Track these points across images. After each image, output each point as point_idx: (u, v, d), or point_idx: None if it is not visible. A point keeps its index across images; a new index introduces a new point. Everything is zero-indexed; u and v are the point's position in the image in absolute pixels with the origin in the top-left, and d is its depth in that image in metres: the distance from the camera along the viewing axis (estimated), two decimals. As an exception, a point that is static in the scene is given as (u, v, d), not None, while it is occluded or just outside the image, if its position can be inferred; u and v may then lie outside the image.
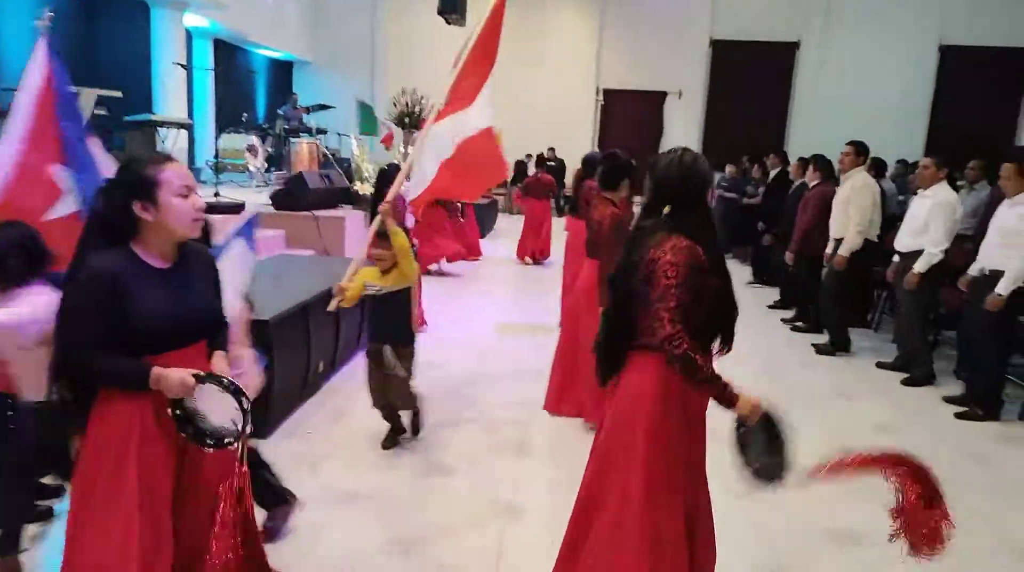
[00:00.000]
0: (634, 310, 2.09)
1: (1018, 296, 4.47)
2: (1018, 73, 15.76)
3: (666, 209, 2.09)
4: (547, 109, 16.90)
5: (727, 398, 2.02)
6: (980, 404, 4.75)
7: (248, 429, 1.86)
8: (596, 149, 16.34)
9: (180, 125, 9.37)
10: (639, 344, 2.10)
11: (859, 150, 6.11)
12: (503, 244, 11.79)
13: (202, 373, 1.86)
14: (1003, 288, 4.45)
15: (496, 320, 6.77)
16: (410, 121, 13.50)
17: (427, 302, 7.19)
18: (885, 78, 15.79)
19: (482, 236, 11.63)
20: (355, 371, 5.10)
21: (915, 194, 5.82)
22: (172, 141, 9.11)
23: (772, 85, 16.70)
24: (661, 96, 17.14)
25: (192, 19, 11.75)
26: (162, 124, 8.81)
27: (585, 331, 4.00)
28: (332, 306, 3.45)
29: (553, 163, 16.45)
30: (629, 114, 17.22)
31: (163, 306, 1.84)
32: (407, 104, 13.36)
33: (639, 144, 17.16)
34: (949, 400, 4.97)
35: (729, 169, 11.45)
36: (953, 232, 5.23)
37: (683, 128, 17.00)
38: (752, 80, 16.63)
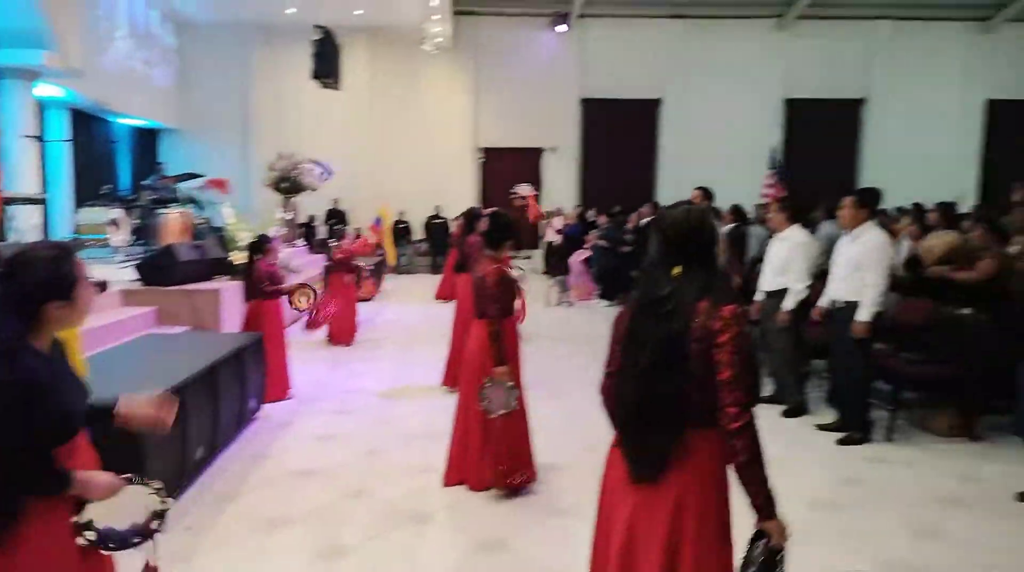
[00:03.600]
0: (682, 386, 1.87)
1: (873, 323, 4.86)
2: (854, 121, 17.52)
3: (677, 269, 1.95)
4: (429, 168, 17.08)
5: (770, 500, 1.85)
6: (857, 428, 5.06)
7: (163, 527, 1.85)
8: (480, 205, 16.61)
9: (32, 200, 8.76)
10: (692, 424, 1.90)
11: (705, 194, 6.53)
12: (395, 309, 11.65)
13: (128, 474, 1.86)
14: (864, 315, 4.80)
15: (384, 384, 6.61)
16: (287, 186, 13.20)
17: (313, 373, 6.96)
18: (741, 129, 17.03)
19: (368, 300, 11.46)
20: (241, 449, 4.82)
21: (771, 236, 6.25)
22: (24, 218, 8.47)
23: (640, 139, 17.66)
24: (538, 152, 17.71)
25: (45, 89, 11.10)
26: (11, 201, 8.18)
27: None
28: None
29: (440, 221, 16.63)
30: (509, 170, 17.65)
31: (73, 392, 1.83)
32: (284, 169, 13.08)
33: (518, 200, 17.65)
34: (822, 427, 5.27)
35: (602, 219, 11.90)
36: (811, 269, 5.64)
37: (561, 182, 17.59)
38: (621, 135, 17.52)
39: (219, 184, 10.37)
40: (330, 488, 4.20)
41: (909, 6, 16.63)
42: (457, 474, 4.13)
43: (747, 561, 1.90)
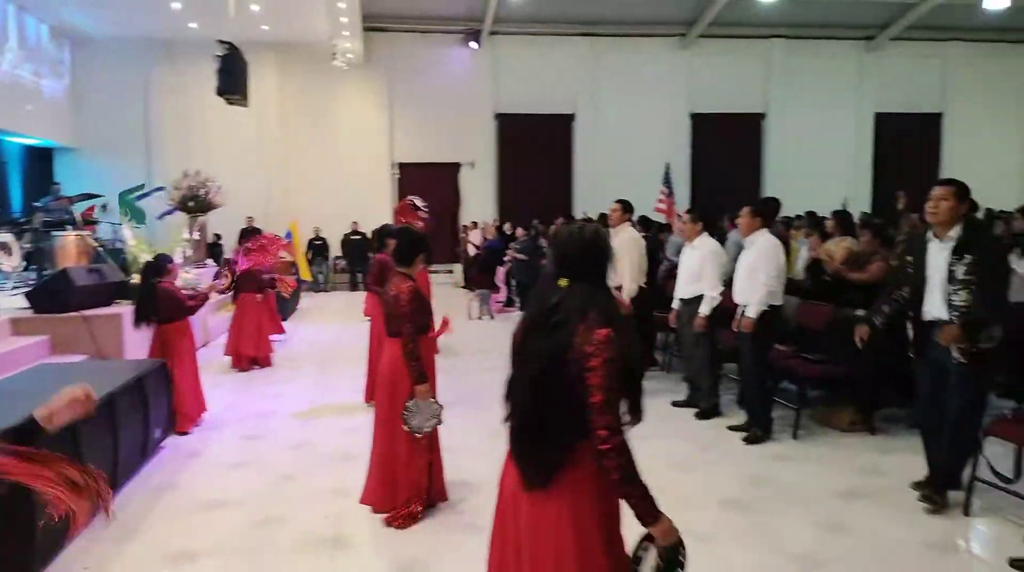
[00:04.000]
0: (563, 401, 1.91)
1: (772, 324, 5.10)
2: (755, 134, 18.35)
3: (563, 281, 1.99)
4: (345, 184, 16.84)
5: (651, 509, 1.88)
6: (761, 427, 5.26)
7: None
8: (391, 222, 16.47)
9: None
10: (580, 433, 1.92)
11: (625, 207, 6.69)
12: (311, 328, 11.40)
13: None
14: (751, 311, 5.08)
15: (300, 406, 6.43)
16: (195, 205, 12.73)
17: (224, 397, 6.71)
18: (651, 143, 17.54)
19: (284, 318, 11.15)
20: (145, 482, 4.58)
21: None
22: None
23: (555, 153, 17.92)
24: (455, 167, 17.72)
25: (-79, 106, 10.37)
26: None
27: (396, 418, 3.90)
28: None
29: (358, 237, 16.36)
30: (425, 186, 17.55)
31: None
32: (190, 187, 12.60)
33: (436, 214, 17.58)
34: (733, 428, 5.45)
35: (520, 232, 11.99)
36: (723, 276, 5.83)
37: (479, 197, 17.65)
38: (537, 149, 17.74)
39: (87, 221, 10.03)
40: (242, 517, 4.04)
41: (800, 25, 17.57)
42: (373, 495, 4.04)
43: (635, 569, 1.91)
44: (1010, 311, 3.88)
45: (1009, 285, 3.92)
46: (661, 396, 6.48)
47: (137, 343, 6.43)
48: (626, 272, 6.41)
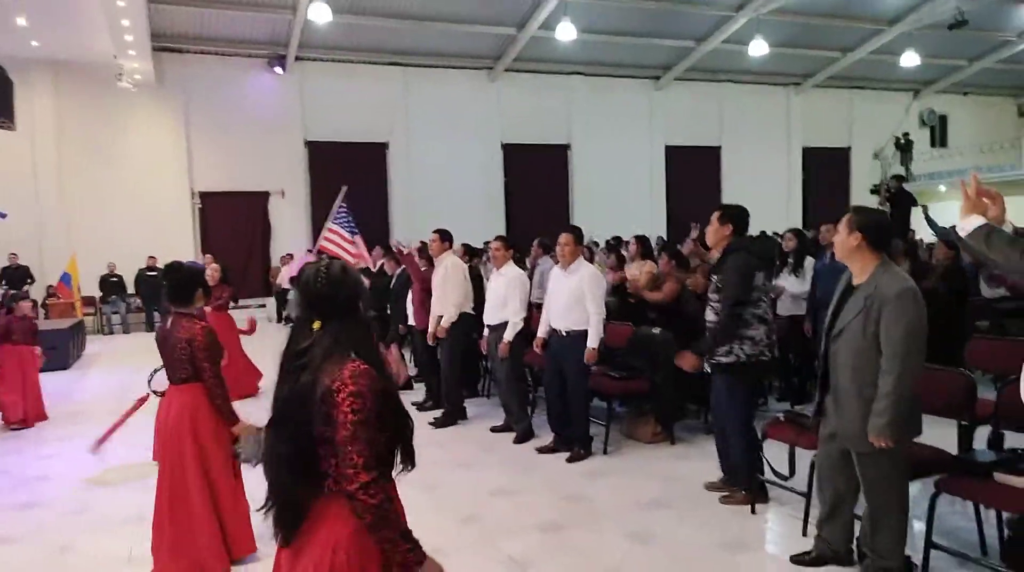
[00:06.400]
0: (312, 448, 1.82)
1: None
2: (563, 164, 19.33)
3: (316, 324, 1.92)
4: (140, 215, 15.45)
5: (412, 554, 1.83)
6: (581, 446, 5.44)
7: None
8: (201, 253, 15.32)
9: None
10: (326, 490, 1.85)
11: (443, 237, 6.73)
12: (98, 377, 10.27)
13: None
14: (594, 342, 5.19)
15: (85, 466, 5.73)
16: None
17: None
18: (466, 172, 17.92)
19: (66, 367, 9.99)
20: None
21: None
22: None
23: (370, 182, 17.64)
24: (264, 196, 16.93)
25: None
26: None
27: (191, 470, 3.59)
28: None
29: (155, 273, 14.96)
30: (231, 216, 16.64)
31: None
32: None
33: (245, 246, 16.70)
34: (540, 450, 5.60)
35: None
36: (527, 301, 6.01)
37: (291, 226, 16.97)
38: (351, 178, 17.33)
39: None
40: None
41: (597, 64, 18.81)
42: (173, 562, 3.66)
43: None
44: (736, 325, 4.12)
45: (741, 301, 4.13)
46: (481, 422, 6.56)
47: None
48: (449, 299, 6.42)
